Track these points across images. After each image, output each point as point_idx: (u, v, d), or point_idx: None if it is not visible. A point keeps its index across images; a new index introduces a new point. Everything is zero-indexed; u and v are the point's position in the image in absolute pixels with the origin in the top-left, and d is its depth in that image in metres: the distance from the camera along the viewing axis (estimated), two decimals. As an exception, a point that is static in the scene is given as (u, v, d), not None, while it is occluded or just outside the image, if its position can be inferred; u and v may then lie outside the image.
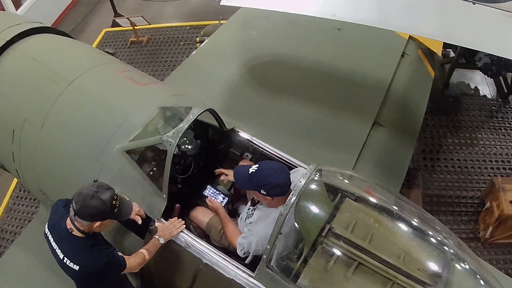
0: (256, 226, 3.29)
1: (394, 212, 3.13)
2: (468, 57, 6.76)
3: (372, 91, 5.10)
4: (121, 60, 6.29)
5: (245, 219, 3.49)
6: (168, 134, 3.36)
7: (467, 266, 2.99)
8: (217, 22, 7.61)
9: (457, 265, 2.96)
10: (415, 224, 3.10)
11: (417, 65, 5.66)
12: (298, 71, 5.22)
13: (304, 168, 3.56)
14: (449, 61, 7.25)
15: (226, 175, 3.76)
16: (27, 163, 4.02)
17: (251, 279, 3.13)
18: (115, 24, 8.95)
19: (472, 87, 7.44)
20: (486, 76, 6.87)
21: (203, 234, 3.69)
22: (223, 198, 3.75)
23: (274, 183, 3.13)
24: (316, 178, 3.16)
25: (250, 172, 3.20)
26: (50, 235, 3.01)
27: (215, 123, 3.90)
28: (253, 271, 3.13)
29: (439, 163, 6.32)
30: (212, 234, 3.65)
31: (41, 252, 3.33)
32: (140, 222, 3.25)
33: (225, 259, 3.26)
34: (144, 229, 3.36)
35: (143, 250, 3.19)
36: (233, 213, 3.84)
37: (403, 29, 4.07)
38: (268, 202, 3.25)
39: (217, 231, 3.61)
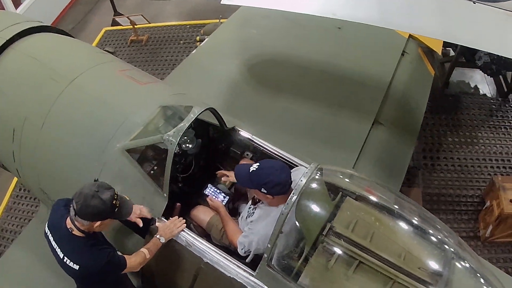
0: (257, 225, 3.29)
1: (395, 211, 3.13)
2: (468, 56, 6.76)
3: (372, 90, 5.10)
4: (121, 59, 6.28)
5: (246, 218, 3.49)
6: (169, 133, 3.36)
7: (467, 265, 2.99)
8: (217, 21, 7.62)
9: (457, 264, 2.96)
10: (416, 223, 3.10)
11: (417, 64, 5.66)
12: (298, 69, 5.23)
13: (305, 167, 3.56)
14: (449, 60, 7.26)
15: (228, 176, 3.77)
16: (28, 162, 4.02)
17: (252, 278, 3.13)
18: (115, 23, 8.94)
19: (472, 86, 7.45)
20: (486, 75, 6.88)
21: (204, 233, 3.69)
22: (224, 197, 3.75)
23: (274, 181, 3.12)
24: (317, 177, 3.16)
25: (250, 171, 3.20)
26: (50, 234, 3.01)
27: (215, 122, 3.90)
28: (254, 270, 3.13)
29: (439, 162, 6.33)
30: (212, 233, 3.65)
31: (42, 251, 3.32)
32: (141, 225, 3.26)
33: (226, 258, 3.25)
34: (145, 229, 3.36)
35: (143, 250, 3.18)
36: (234, 212, 3.84)
37: (403, 28, 4.08)
38: (269, 200, 3.25)
39: (217, 230, 3.61)
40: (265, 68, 5.27)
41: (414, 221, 3.11)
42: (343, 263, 2.93)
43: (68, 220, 2.90)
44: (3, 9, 8.01)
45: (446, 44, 6.58)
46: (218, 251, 3.30)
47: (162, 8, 9.49)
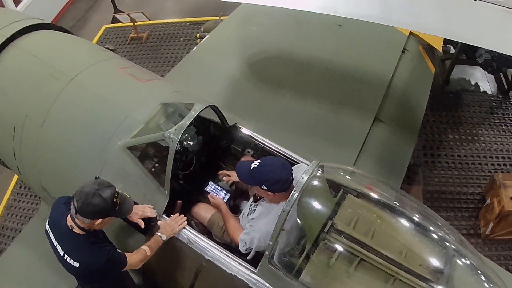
0: (258, 222, 3.30)
1: (396, 208, 3.13)
2: (468, 53, 6.76)
3: (373, 87, 5.09)
4: (121, 56, 6.27)
5: (247, 215, 3.50)
6: (170, 130, 3.36)
7: (468, 262, 2.99)
8: (218, 18, 7.61)
9: (458, 261, 2.96)
10: (417, 220, 3.10)
11: (418, 61, 5.65)
12: (299, 67, 5.22)
13: (306, 164, 3.56)
14: (449, 57, 7.25)
15: (229, 176, 3.77)
16: (28, 160, 4.02)
17: (253, 275, 3.14)
18: (115, 20, 8.93)
19: (473, 83, 7.43)
20: (486, 72, 6.86)
21: (205, 231, 3.70)
22: (225, 194, 3.75)
23: (275, 178, 3.12)
24: (318, 174, 3.16)
25: (252, 167, 3.20)
26: (50, 232, 3.01)
27: (217, 119, 3.90)
28: (255, 267, 3.14)
29: (439, 159, 6.32)
30: (214, 230, 3.66)
31: (42, 249, 3.33)
32: (143, 226, 3.27)
33: (227, 255, 3.26)
34: (146, 226, 3.36)
35: (144, 247, 3.19)
36: (235, 209, 3.85)
37: (404, 25, 4.06)
38: (270, 197, 3.25)
39: (219, 227, 3.61)
40: (266, 65, 5.26)
41: (415, 218, 3.10)
42: (344, 260, 2.93)
43: (69, 218, 2.90)
44: (3, 6, 8.00)
45: (446, 42, 6.56)
46: (219, 249, 3.30)
47: (162, 5, 9.48)
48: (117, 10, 8.93)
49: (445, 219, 3.78)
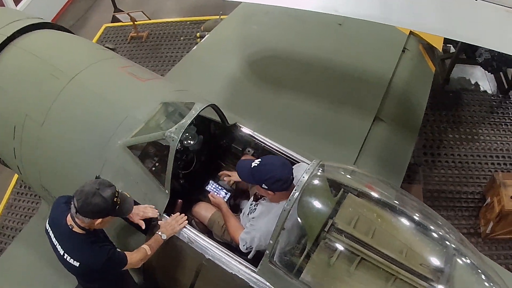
0: (258, 221, 3.30)
1: (397, 208, 3.13)
2: (468, 53, 6.77)
3: (373, 86, 5.10)
4: (121, 55, 6.27)
5: (248, 214, 3.50)
6: (170, 129, 3.35)
7: (469, 261, 2.99)
8: (218, 17, 7.61)
9: (459, 260, 2.96)
10: (418, 219, 3.09)
11: (418, 61, 5.65)
12: (299, 66, 5.22)
13: (306, 163, 3.56)
14: (449, 56, 7.25)
15: (230, 176, 3.77)
16: (29, 159, 4.02)
17: (254, 274, 3.13)
18: (115, 20, 8.94)
19: (473, 82, 7.44)
20: (486, 71, 6.87)
21: (206, 230, 3.69)
22: (226, 193, 3.75)
23: (276, 177, 3.12)
24: (319, 173, 3.16)
25: (252, 166, 3.20)
26: (50, 231, 3.01)
27: (217, 118, 3.90)
28: (255, 266, 3.14)
29: (439, 159, 6.32)
30: (214, 229, 3.65)
31: (43, 248, 3.32)
32: (144, 227, 3.27)
33: (227, 255, 3.26)
34: (147, 225, 3.36)
35: (145, 246, 3.19)
36: (236, 209, 3.85)
37: (405, 25, 4.05)
38: (270, 196, 3.25)
39: (219, 226, 3.61)
40: (266, 64, 5.26)
41: (415, 217, 3.10)
42: (345, 260, 2.93)
43: (69, 217, 2.90)
44: (3, 5, 8.00)
45: (446, 41, 6.56)
46: (220, 248, 3.30)
47: (162, 4, 9.47)
48: (117, 9, 8.93)
49: (445, 218, 3.78)
